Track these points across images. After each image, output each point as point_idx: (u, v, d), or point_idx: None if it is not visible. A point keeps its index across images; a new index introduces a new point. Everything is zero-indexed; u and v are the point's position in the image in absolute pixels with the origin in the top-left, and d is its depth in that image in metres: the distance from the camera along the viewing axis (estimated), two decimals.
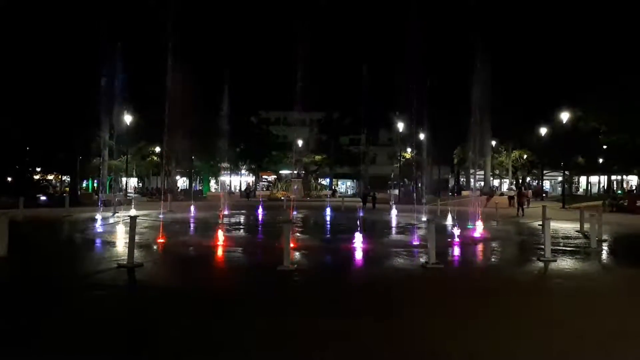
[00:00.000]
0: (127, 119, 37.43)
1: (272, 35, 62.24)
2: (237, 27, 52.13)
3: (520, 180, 55.28)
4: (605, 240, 15.23)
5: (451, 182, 67.96)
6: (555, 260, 11.07)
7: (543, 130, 44.23)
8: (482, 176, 55.65)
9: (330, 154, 61.89)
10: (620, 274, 10.56)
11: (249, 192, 52.98)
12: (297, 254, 11.63)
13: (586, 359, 5.14)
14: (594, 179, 63.00)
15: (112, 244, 13.59)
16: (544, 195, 47.96)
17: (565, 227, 19.36)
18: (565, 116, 34.58)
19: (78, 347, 5.27)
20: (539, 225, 18.41)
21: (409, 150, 57.69)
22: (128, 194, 44.69)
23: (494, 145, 54.56)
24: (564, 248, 13.57)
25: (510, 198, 38.04)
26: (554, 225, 15.99)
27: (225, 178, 66.67)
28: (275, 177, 66.20)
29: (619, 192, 47.99)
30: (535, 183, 61.98)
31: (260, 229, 20.62)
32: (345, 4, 66.63)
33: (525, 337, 5.76)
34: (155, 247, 13.06)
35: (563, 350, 5.35)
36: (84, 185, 52.27)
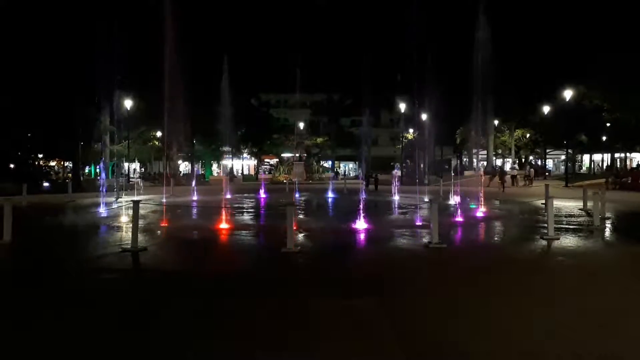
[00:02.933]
0: (128, 103, 37.23)
1: (272, 17, 61.54)
2: (237, 9, 51.53)
3: (509, 161, 55.10)
4: (608, 218, 15.22)
5: (454, 163, 67.78)
6: (559, 239, 11.06)
7: (546, 109, 43.87)
8: (485, 156, 55.47)
9: (331, 136, 61.64)
10: (623, 252, 10.56)
11: (231, 176, 51.17)
12: (300, 236, 11.67)
13: (588, 335, 5.15)
14: (597, 157, 62.72)
15: (116, 229, 13.62)
16: (547, 173, 47.80)
17: (568, 205, 19.33)
18: (568, 94, 34.29)
19: (83, 329, 5.31)
20: (542, 203, 18.40)
21: (411, 131, 57.43)
22: (131, 179, 44.77)
23: (496, 125, 54.23)
24: (567, 226, 13.56)
25: (513, 177, 38.07)
26: (557, 203, 15.97)
27: (227, 162, 66.66)
28: (277, 160, 66.11)
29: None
30: (538, 162, 61.74)
31: (263, 212, 20.66)
32: None
33: (528, 315, 5.78)
34: (158, 231, 13.10)
35: (566, 326, 5.36)
36: (87, 170, 52.33)
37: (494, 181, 33.25)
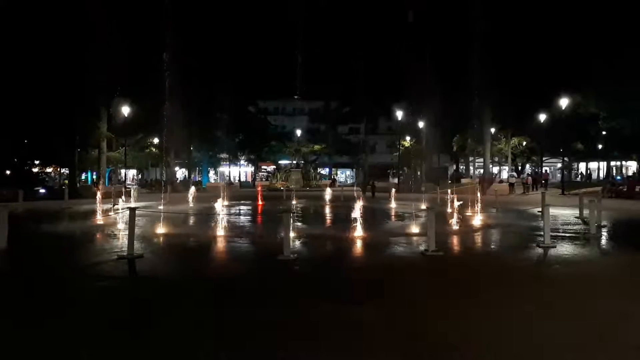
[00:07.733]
0: (126, 110, 37.25)
1: (269, 24, 61.75)
2: (234, 17, 51.65)
3: (505, 169, 55.35)
4: (604, 226, 15.27)
5: (451, 170, 67.97)
6: (555, 247, 11.09)
7: (542, 117, 44.10)
8: (482, 163, 55.59)
9: (329, 143, 61.80)
10: (619, 260, 10.59)
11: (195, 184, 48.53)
12: (297, 243, 11.65)
13: (587, 341, 5.15)
14: (593, 165, 63.02)
15: (112, 236, 13.58)
16: (542, 182, 47.94)
17: (564, 213, 19.40)
18: (564, 102, 34.47)
19: (77, 338, 5.29)
20: (538, 212, 18.45)
21: (408, 138, 57.54)
22: (127, 186, 44.73)
23: (493, 132, 54.43)
24: (563, 234, 13.60)
25: (511, 185, 38.20)
26: (554, 211, 16.03)
27: (224, 169, 66.68)
28: (275, 167, 66.19)
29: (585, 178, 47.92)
30: (537, 170, 61.96)
31: (259, 218, 20.63)
32: None
33: (524, 321, 5.78)
34: (155, 238, 13.07)
35: (563, 332, 5.37)
36: (83, 177, 52.21)
37: (491, 188, 33.36)
